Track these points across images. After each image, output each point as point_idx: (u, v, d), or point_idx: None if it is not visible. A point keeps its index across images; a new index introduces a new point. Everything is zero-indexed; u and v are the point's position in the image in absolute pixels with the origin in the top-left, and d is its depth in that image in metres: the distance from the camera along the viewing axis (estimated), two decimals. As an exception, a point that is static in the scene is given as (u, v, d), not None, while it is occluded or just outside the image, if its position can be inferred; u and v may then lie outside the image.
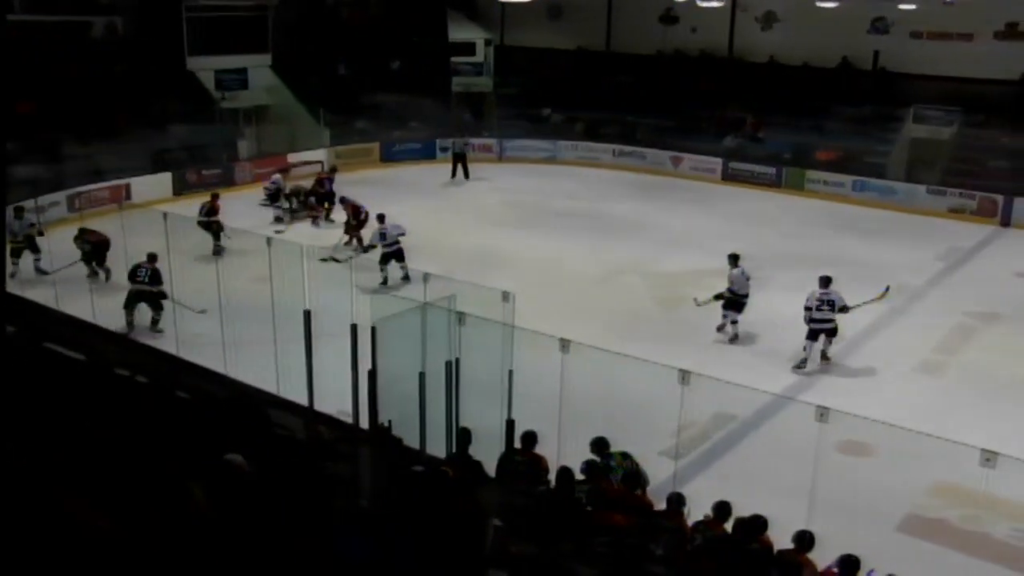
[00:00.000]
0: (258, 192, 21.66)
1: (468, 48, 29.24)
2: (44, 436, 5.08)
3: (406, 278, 15.18)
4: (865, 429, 8.27)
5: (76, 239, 15.17)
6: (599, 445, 8.02)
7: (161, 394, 7.00)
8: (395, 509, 5.48)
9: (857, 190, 23.19)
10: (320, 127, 24.98)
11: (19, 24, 21.31)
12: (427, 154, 26.71)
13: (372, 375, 8.45)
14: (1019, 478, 6.90)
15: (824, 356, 12.96)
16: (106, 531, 4.07)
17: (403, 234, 15.79)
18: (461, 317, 8.21)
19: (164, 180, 21.24)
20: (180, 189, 21.48)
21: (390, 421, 8.24)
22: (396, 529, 4.84)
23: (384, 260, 15.49)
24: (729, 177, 24.74)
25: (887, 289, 13.89)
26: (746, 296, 13.73)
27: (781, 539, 6.66)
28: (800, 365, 12.77)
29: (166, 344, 11.18)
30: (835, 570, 6.31)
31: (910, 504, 9.26)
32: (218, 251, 16.61)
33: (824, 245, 18.95)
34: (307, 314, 9.60)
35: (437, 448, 8.33)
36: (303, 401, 9.26)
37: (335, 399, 9.12)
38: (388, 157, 25.94)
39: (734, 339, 13.72)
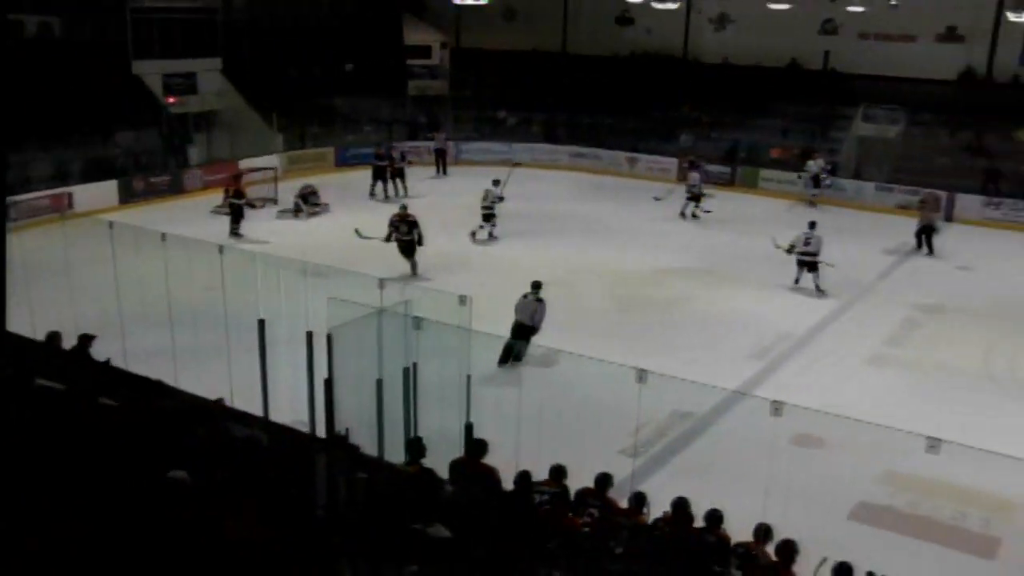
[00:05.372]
0: (209, 199, 21.31)
1: (423, 51, 29.21)
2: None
3: (492, 236, 18.89)
4: (818, 422, 8.41)
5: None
6: (558, 473, 7.53)
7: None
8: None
9: (808, 188, 23.55)
10: (272, 132, 24.70)
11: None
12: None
13: (328, 383, 8.37)
14: (962, 463, 7.08)
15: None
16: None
17: (501, 199, 18.79)
18: (418, 322, 8.16)
19: (109, 188, 20.66)
20: (126, 197, 20.92)
21: (347, 429, 8.17)
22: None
23: (486, 219, 18.95)
24: (684, 177, 24.89)
25: None
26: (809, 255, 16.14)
27: (740, 531, 6.75)
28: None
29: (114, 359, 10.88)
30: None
31: (860, 492, 9.45)
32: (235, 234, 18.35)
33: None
34: (261, 323, 9.48)
35: (396, 455, 8.28)
36: (258, 411, 9.13)
37: (291, 409, 9.03)
38: (342, 162, 25.75)
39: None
